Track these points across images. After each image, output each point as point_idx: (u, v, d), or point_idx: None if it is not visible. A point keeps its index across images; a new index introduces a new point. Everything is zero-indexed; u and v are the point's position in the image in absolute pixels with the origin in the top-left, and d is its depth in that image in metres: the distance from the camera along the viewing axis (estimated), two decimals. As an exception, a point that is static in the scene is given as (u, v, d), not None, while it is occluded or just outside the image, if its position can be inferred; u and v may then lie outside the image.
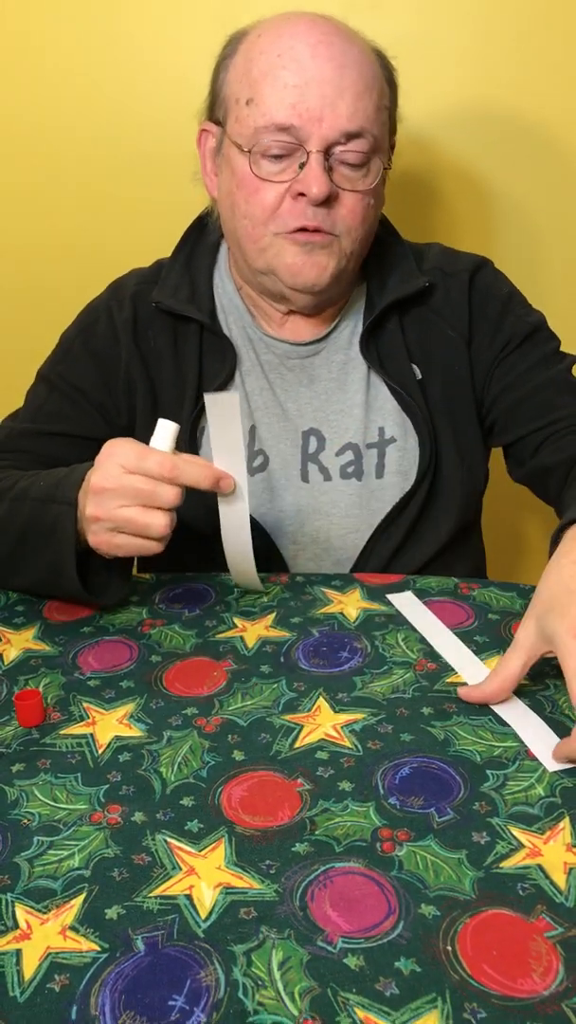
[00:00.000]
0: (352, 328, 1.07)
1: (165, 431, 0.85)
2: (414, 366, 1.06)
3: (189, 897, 0.58)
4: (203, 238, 1.11)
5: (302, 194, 0.93)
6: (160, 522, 0.83)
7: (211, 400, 0.83)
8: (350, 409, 1.06)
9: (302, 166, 0.93)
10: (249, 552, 0.90)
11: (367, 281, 1.08)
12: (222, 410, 0.83)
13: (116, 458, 0.83)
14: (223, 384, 1.05)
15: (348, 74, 0.92)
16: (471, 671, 0.81)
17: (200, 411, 1.04)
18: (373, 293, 1.07)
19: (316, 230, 0.95)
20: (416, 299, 1.06)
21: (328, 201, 0.94)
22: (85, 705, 0.78)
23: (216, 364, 1.06)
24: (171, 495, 0.82)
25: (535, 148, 1.44)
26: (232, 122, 0.97)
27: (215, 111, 1.01)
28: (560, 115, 1.41)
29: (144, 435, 1.06)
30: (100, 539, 0.85)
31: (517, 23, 1.37)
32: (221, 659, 0.84)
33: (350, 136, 0.93)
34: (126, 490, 0.82)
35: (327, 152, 0.93)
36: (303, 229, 0.95)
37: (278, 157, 0.94)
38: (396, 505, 1.05)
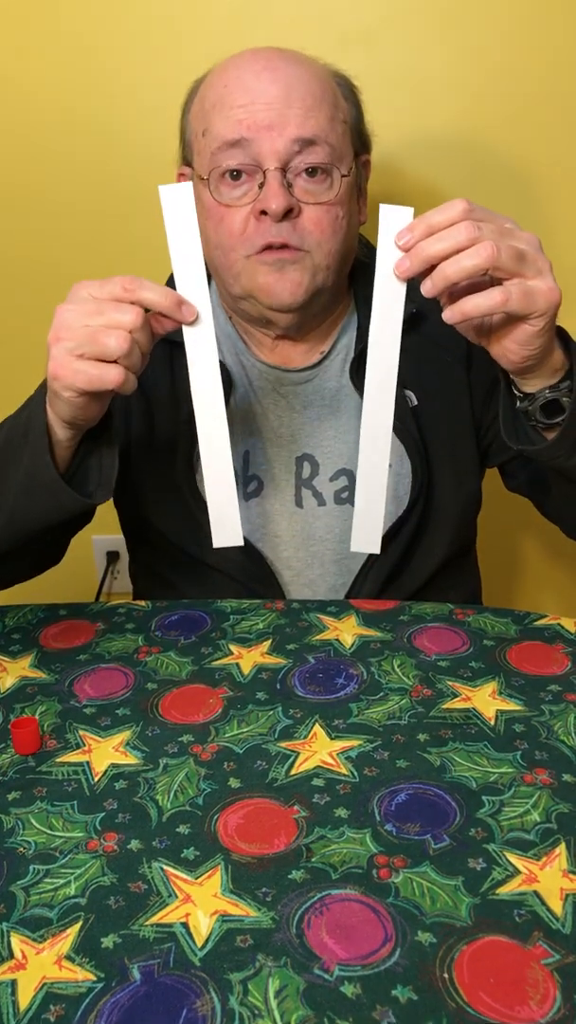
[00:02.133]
0: (344, 355, 1.08)
1: None
2: (408, 392, 1.07)
3: (185, 925, 0.58)
4: None
5: (264, 212, 0.95)
6: (120, 340, 0.78)
7: (165, 192, 0.79)
8: (343, 435, 1.07)
9: (261, 186, 0.94)
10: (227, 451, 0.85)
11: (358, 310, 1.09)
12: (177, 204, 0.79)
13: (82, 287, 0.80)
14: None
15: (295, 90, 0.94)
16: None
17: (194, 438, 1.05)
18: (363, 321, 1.08)
19: (283, 246, 0.96)
20: (408, 326, 1.07)
21: (291, 216, 0.95)
22: (81, 733, 0.78)
23: None
24: (131, 313, 0.78)
25: (525, 182, 1.46)
26: (196, 157, 1.00)
27: (185, 154, 1.04)
28: (543, 150, 1.44)
29: (140, 458, 1.07)
30: (59, 363, 0.79)
31: (506, 58, 1.40)
32: (217, 686, 0.84)
33: (304, 144, 0.94)
34: (88, 308, 0.79)
35: (284, 169, 0.94)
36: (269, 246, 0.96)
37: (237, 180, 0.95)
38: (389, 530, 1.06)
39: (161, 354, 1.08)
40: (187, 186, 0.78)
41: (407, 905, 0.59)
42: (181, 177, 1.05)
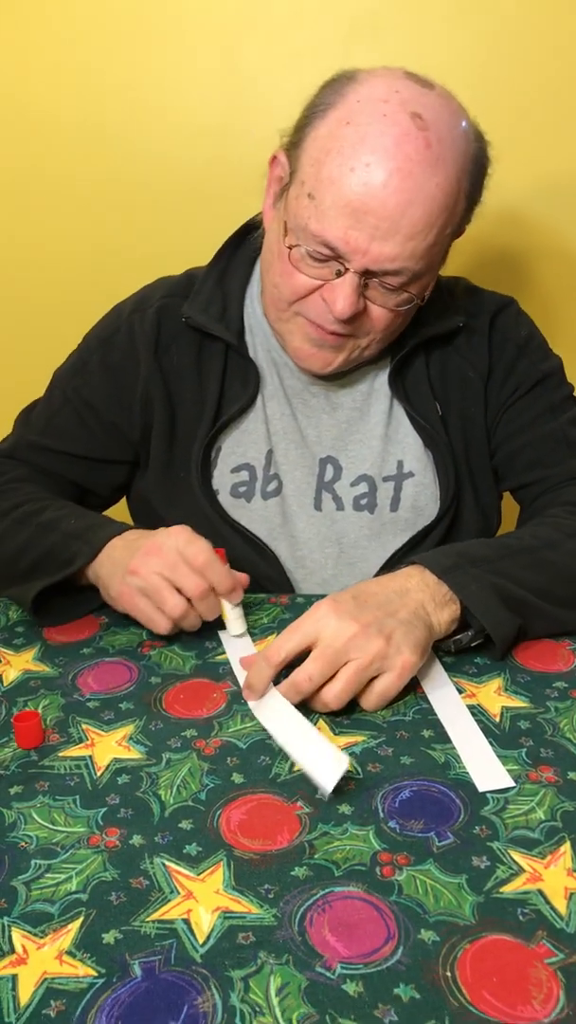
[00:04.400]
0: (381, 361, 1.07)
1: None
2: (437, 403, 1.06)
3: (187, 921, 0.58)
4: (241, 252, 1.09)
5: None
6: (173, 601, 0.87)
7: (225, 636, 0.92)
8: (369, 440, 1.06)
9: (339, 273, 0.92)
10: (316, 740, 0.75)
11: None
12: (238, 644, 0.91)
13: (173, 539, 0.89)
14: (244, 406, 1.05)
15: (411, 213, 0.88)
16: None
17: (217, 432, 1.05)
18: (406, 327, 1.04)
19: (332, 333, 0.96)
20: (442, 338, 1.06)
21: (354, 315, 0.94)
22: (84, 727, 0.78)
23: (238, 387, 1.06)
24: (193, 583, 0.86)
25: (535, 177, 1.45)
26: (292, 197, 0.94)
27: (292, 151, 0.95)
28: (552, 142, 1.43)
29: (160, 445, 1.06)
30: (125, 591, 0.89)
31: (513, 52, 1.38)
32: (221, 681, 0.84)
33: (390, 272, 0.91)
34: (166, 562, 0.87)
35: (365, 272, 0.92)
36: (321, 327, 0.96)
37: (318, 260, 0.93)
38: (412, 539, 1.05)
39: (189, 343, 1.06)
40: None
41: (410, 903, 0.59)
42: (274, 160, 0.98)
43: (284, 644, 0.78)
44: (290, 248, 0.94)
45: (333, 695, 0.76)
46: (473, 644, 0.86)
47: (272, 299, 1.00)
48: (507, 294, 1.12)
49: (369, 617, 0.78)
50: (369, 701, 0.78)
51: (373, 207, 0.87)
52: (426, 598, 0.83)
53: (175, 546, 0.88)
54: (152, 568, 0.87)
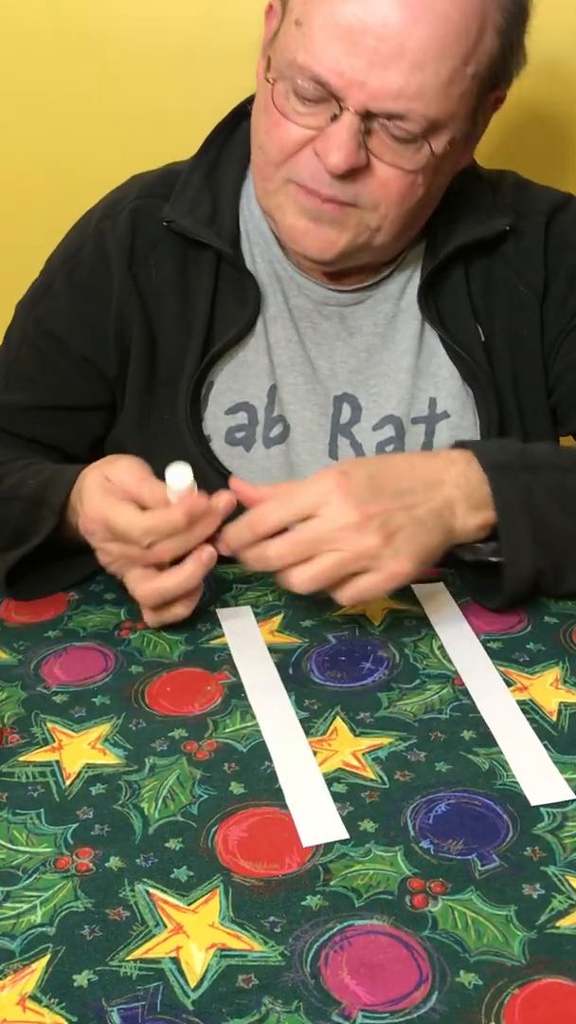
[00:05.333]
0: (409, 274, 1.05)
1: (179, 480, 0.86)
2: (479, 327, 1.04)
3: (176, 960, 0.58)
4: (234, 141, 1.07)
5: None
6: (143, 565, 0.87)
7: (224, 614, 0.92)
8: (395, 373, 1.05)
9: (334, 118, 0.90)
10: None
11: (432, 217, 1.03)
12: (238, 625, 0.91)
13: (94, 500, 0.87)
14: (242, 332, 1.04)
15: (419, 31, 0.86)
16: (480, 684, 0.81)
17: (208, 365, 1.04)
18: (439, 231, 1.03)
19: (330, 199, 0.93)
20: (485, 245, 1.04)
21: (356, 171, 0.91)
22: (50, 726, 0.78)
23: (234, 306, 1.04)
24: (136, 552, 0.85)
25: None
26: (280, 34, 0.92)
27: None
28: None
29: (139, 382, 1.05)
30: (105, 565, 0.90)
31: None
32: (216, 670, 0.84)
33: (394, 115, 0.89)
34: (104, 539, 0.88)
35: (367, 114, 0.89)
36: (315, 193, 0.93)
37: (310, 100, 0.90)
38: None
39: (171, 253, 1.04)
40: (246, 610, 0.92)
41: (447, 940, 0.59)
42: (269, 11, 0.97)
43: (274, 513, 0.81)
44: (272, 84, 0.92)
45: (301, 579, 0.80)
46: (494, 559, 0.88)
47: (259, 167, 0.97)
48: (567, 192, 1.10)
49: (376, 507, 0.80)
50: (343, 594, 0.81)
51: (372, 25, 0.86)
52: (460, 497, 0.85)
53: (97, 510, 0.87)
54: (98, 546, 0.88)
